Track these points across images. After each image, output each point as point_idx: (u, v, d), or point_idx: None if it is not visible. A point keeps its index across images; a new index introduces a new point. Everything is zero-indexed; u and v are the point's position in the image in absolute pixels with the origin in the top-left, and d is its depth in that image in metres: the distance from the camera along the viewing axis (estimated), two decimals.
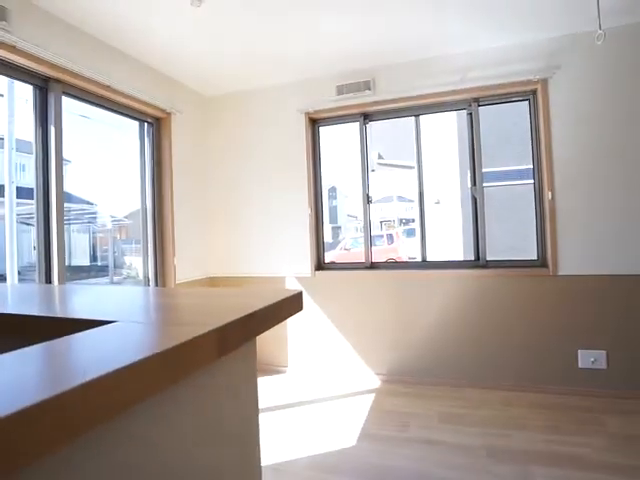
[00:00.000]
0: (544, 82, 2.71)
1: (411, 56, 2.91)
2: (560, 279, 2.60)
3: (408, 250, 8.86)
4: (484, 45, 2.77)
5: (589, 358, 2.52)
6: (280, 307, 0.56)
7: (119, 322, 0.50)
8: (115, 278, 3.17)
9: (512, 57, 2.75)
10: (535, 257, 2.76)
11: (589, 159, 2.59)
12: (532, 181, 2.85)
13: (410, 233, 10.10)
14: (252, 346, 0.58)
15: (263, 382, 3.03)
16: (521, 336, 2.67)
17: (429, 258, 3.07)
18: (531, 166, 2.85)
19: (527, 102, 2.90)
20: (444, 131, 7.93)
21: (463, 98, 2.94)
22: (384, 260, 5.50)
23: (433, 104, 3.04)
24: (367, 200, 3.20)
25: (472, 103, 2.96)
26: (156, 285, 3.00)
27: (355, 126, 3.24)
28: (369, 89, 3.03)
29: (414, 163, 3.19)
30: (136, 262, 3.12)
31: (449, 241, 7.26)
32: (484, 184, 2.96)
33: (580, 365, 2.54)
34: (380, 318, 2.97)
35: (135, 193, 3.01)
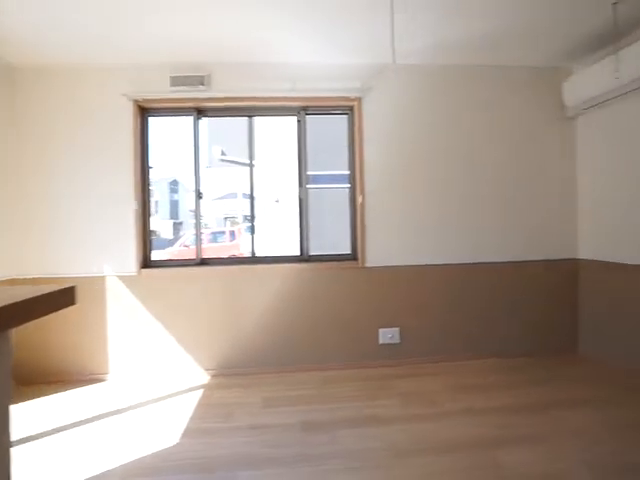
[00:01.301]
0: (359, 100, 3.13)
1: (247, 57, 2.99)
2: (367, 270, 3.06)
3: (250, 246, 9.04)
4: (313, 59, 3.04)
5: (387, 335, 3.05)
6: (35, 303, 0.55)
7: None
8: None
9: (336, 74, 3.10)
10: (349, 252, 3.18)
11: (395, 168, 3.11)
12: (349, 185, 3.26)
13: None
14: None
15: (77, 393, 2.73)
16: (336, 321, 3.04)
17: (265, 253, 3.23)
18: (348, 172, 3.27)
19: (347, 116, 3.30)
20: (285, 133, 8.31)
21: (293, 105, 3.18)
22: (227, 256, 5.48)
23: (265, 107, 3.19)
24: (198, 196, 3.18)
25: (301, 111, 3.22)
26: None
27: (189, 120, 3.18)
28: (203, 84, 3.00)
29: (251, 162, 3.31)
30: None
31: (287, 238, 7.68)
32: (317, 185, 3.25)
33: (380, 341, 3.05)
34: (210, 314, 3.00)
35: None
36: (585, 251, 3.22)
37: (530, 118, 3.23)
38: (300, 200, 3.22)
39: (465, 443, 2.02)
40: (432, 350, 3.11)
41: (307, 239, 3.18)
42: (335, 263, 3.11)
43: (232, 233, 9.66)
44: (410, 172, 3.12)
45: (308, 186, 3.21)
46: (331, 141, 4.38)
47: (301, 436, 2.12)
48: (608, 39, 2.77)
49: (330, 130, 3.97)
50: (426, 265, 3.10)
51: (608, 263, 2.99)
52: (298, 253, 3.18)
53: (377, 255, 3.07)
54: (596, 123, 3.11)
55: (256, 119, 3.31)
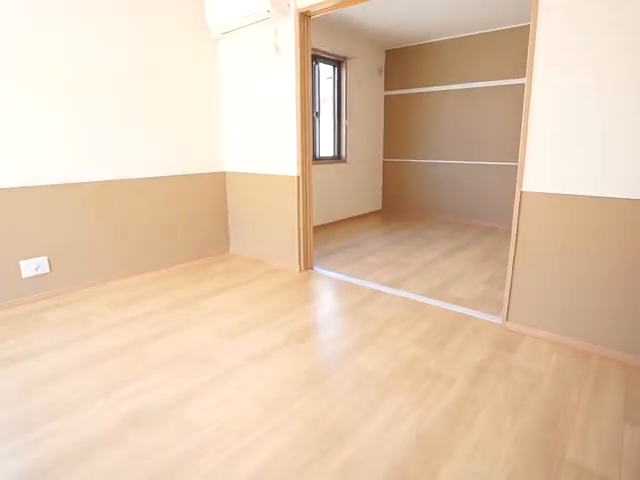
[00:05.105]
0: None
1: None
2: None
3: None
4: None
5: (32, 266, 2.67)
6: None
7: None
8: None
9: None
10: None
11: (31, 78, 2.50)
12: None
13: None
14: None
15: None
16: None
17: None
18: None
19: None
20: None
21: None
22: None
23: None
24: None
25: None
26: None
27: None
28: None
29: None
30: None
31: None
32: None
33: (24, 275, 2.65)
34: None
35: None
36: (228, 164, 3.75)
37: (180, 38, 3.24)
38: None
39: (114, 350, 2.11)
40: (91, 273, 2.98)
41: None
42: None
43: None
44: (51, 86, 2.61)
45: None
46: None
47: None
48: None
49: None
50: (70, 184, 2.80)
51: (243, 173, 3.61)
52: None
53: (5, 174, 2.52)
54: (232, 48, 3.47)
55: None
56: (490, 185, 5.00)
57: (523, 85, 4.40)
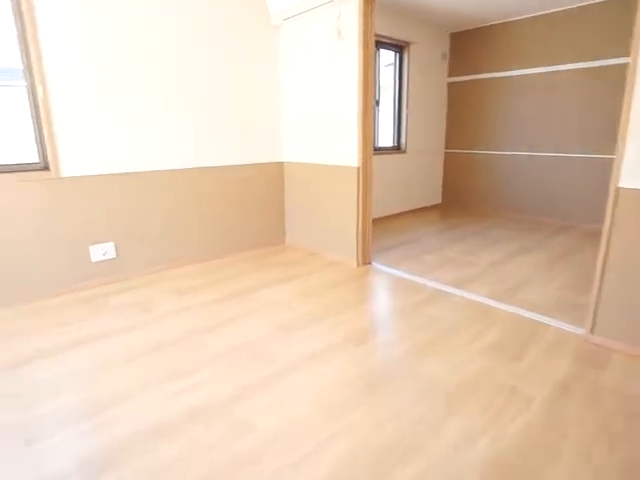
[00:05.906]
0: None
1: None
2: (66, 180, 2.60)
3: None
4: None
5: (101, 251, 2.78)
6: None
7: None
8: None
9: None
10: (37, 160, 2.60)
11: (95, 64, 2.58)
12: (25, 82, 2.54)
13: None
14: None
15: None
16: (31, 245, 2.54)
17: None
18: (21, 66, 2.51)
19: None
20: None
21: None
22: None
23: None
24: None
25: None
26: None
27: None
28: None
29: None
30: None
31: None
32: None
33: (94, 259, 2.77)
34: None
35: None
36: (287, 154, 3.69)
37: (241, 25, 3.20)
38: None
39: (172, 339, 2.13)
40: (153, 260, 3.06)
41: None
42: (19, 175, 2.48)
43: None
44: (116, 71, 2.67)
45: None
46: None
47: None
48: None
49: None
50: (138, 172, 2.88)
51: (302, 164, 3.54)
52: None
53: (77, 163, 2.63)
54: (292, 34, 3.38)
55: None
56: (564, 179, 4.55)
57: (615, 66, 3.93)
